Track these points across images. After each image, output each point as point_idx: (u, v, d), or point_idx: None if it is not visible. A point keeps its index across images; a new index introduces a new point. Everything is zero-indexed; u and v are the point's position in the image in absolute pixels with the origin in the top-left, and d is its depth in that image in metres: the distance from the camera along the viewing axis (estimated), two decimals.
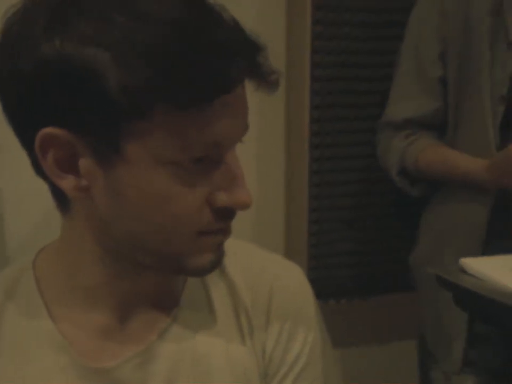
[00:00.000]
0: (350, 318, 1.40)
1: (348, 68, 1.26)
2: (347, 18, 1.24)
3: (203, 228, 0.53)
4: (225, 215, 0.54)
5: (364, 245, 1.36)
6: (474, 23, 1.00)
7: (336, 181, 1.30)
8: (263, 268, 0.65)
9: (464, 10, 1.02)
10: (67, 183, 0.51)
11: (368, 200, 1.34)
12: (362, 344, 1.45)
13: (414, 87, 1.11)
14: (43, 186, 0.55)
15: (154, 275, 0.58)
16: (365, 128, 1.28)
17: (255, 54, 0.50)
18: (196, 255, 0.55)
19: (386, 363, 1.46)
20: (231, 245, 0.62)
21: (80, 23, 0.47)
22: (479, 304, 0.66)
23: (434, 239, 1.13)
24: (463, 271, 0.73)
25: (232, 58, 0.48)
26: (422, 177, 1.13)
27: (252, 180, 1.31)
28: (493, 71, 0.98)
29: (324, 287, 1.36)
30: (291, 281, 0.67)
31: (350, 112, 1.28)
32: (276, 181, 1.32)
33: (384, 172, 1.19)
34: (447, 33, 1.05)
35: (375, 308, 1.41)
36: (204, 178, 0.51)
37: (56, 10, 0.48)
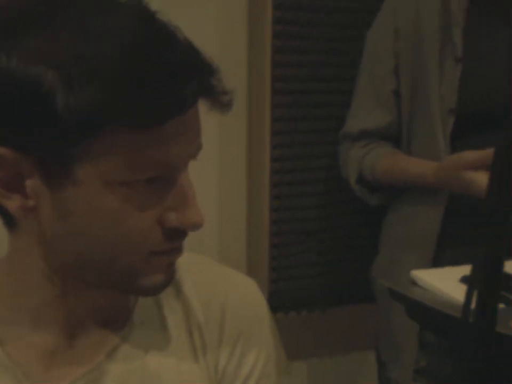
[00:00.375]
0: (312, 329, 1.41)
1: (309, 81, 1.28)
2: (308, 31, 1.26)
3: (154, 248, 0.53)
4: (177, 235, 0.53)
5: (324, 256, 1.37)
6: (425, 39, 1.04)
7: (296, 193, 1.32)
8: (216, 283, 0.65)
9: (415, 28, 1.06)
10: (13, 203, 0.50)
11: (329, 212, 1.35)
12: (324, 355, 1.46)
13: (370, 100, 1.14)
14: None
15: (104, 294, 0.58)
16: (325, 140, 1.30)
17: (209, 75, 0.50)
18: (146, 275, 0.54)
19: (349, 373, 1.47)
20: (185, 259, 0.62)
21: (28, 39, 0.46)
22: (429, 316, 0.67)
23: (392, 249, 1.16)
24: (415, 283, 0.74)
25: (185, 80, 0.48)
26: (380, 186, 1.16)
27: (213, 192, 1.32)
28: (442, 84, 1.02)
29: (285, 299, 1.36)
30: (244, 295, 0.67)
31: (310, 124, 1.30)
32: (237, 194, 1.33)
33: (344, 183, 1.21)
34: (400, 49, 1.08)
35: (337, 319, 1.42)
36: (155, 199, 0.51)
37: (4, 24, 0.47)
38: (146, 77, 0.46)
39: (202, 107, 0.53)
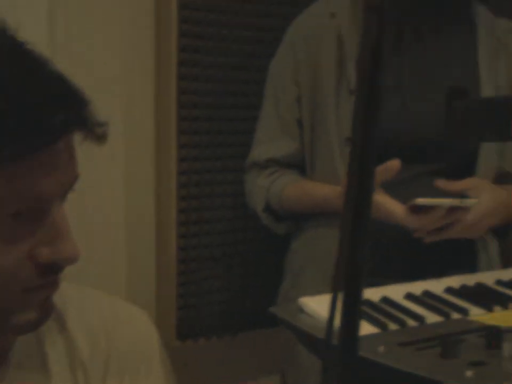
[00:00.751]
0: (222, 355, 1.41)
1: (214, 108, 1.29)
2: (213, 60, 1.28)
3: (27, 285, 0.51)
4: (51, 270, 0.52)
5: (233, 282, 1.38)
6: (323, 71, 1.08)
7: (203, 218, 1.32)
8: (104, 317, 0.64)
9: (314, 60, 1.09)
10: None
11: (236, 237, 1.36)
12: (235, 381, 1.45)
13: (276, 129, 1.16)
14: None
15: None
16: (231, 167, 1.31)
17: (79, 107, 0.50)
18: (19, 312, 0.52)
19: None
20: (72, 292, 0.61)
21: None
22: (313, 343, 0.69)
23: (295, 274, 1.18)
24: (302, 310, 0.76)
25: (51, 111, 0.47)
26: (287, 214, 1.17)
27: (120, 219, 1.30)
28: (338, 115, 1.06)
29: (194, 326, 1.35)
30: (133, 329, 0.66)
31: (216, 151, 1.31)
32: (145, 221, 1.32)
33: (251, 210, 1.22)
34: (301, 79, 1.12)
35: (247, 345, 1.42)
36: (25, 233, 0.50)
37: None
38: (10, 109, 0.45)
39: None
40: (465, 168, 1.07)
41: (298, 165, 1.17)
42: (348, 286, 0.50)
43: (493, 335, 0.57)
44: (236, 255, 1.37)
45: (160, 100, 1.28)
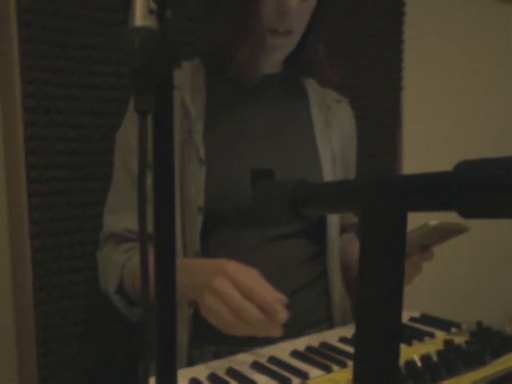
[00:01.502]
0: None
1: (65, 182, 1.26)
2: (62, 134, 1.26)
3: None
4: None
5: (98, 359, 1.33)
6: None
7: (62, 296, 1.27)
8: None
9: None
10: None
11: (99, 312, 1.32)
12: None
13: (130, 197, 1.10)
14: None
15: None
16: (88, 240, 1.28)
17: None
18: None
19: None
20: None
21: None
22: None
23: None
24: None
25: None
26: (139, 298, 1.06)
27: None
28: (187, 184, 1.04)
29: None
30: None
31: (69, 224, 1.27)
32: (1, 301, 1.25)
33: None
34: (148, 148, 1.10)
35: None
36: None
37: None
38: None
39: None
40: (318, 225, 1.11)
41: None
42: (159, 368, 0.49)
43: None
44: (101, 330, 1.32)
45: (9, 180, 1.24)
